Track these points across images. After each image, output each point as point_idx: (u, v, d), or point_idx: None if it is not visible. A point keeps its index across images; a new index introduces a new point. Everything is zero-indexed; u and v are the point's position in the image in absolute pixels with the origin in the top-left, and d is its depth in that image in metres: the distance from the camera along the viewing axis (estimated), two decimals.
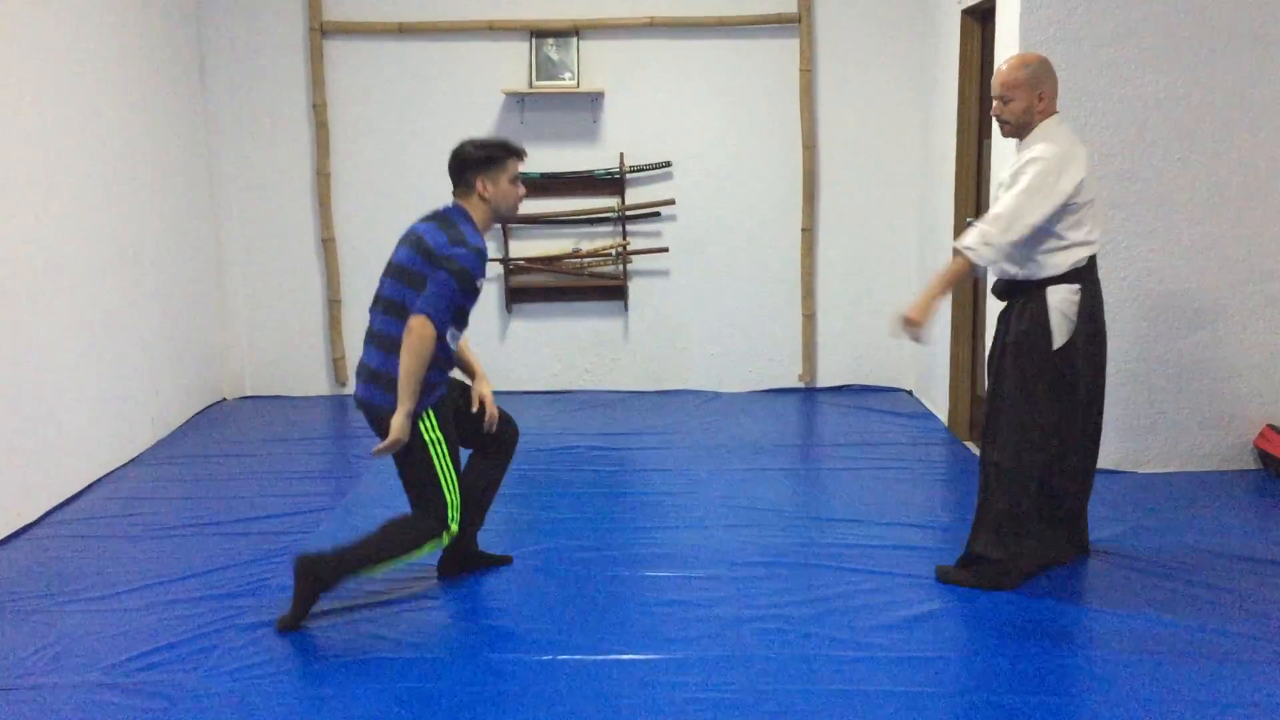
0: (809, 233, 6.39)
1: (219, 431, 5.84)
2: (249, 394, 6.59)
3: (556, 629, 3.42)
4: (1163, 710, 2.89)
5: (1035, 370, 3.53)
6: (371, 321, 3.58)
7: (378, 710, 2.95)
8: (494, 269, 6.41)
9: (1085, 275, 3.52)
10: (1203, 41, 4.58)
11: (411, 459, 3.52)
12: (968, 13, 5.34)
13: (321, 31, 6.20)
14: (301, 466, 5.17)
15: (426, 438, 3.50)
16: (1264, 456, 4.80)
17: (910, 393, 6.50)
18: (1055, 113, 3.54)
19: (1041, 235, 3.47)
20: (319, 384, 6.60)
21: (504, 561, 3.93)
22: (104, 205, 5.08)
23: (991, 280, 3.90)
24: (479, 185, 3.53)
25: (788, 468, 5.14)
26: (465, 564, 3.84)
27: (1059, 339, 3.50)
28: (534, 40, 6.21)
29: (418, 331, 3.38)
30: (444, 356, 3.53)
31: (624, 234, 6.41)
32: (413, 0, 6.21)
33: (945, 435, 5.57)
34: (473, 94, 6.24)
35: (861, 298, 6.51)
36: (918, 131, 6.27)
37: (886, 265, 6.44)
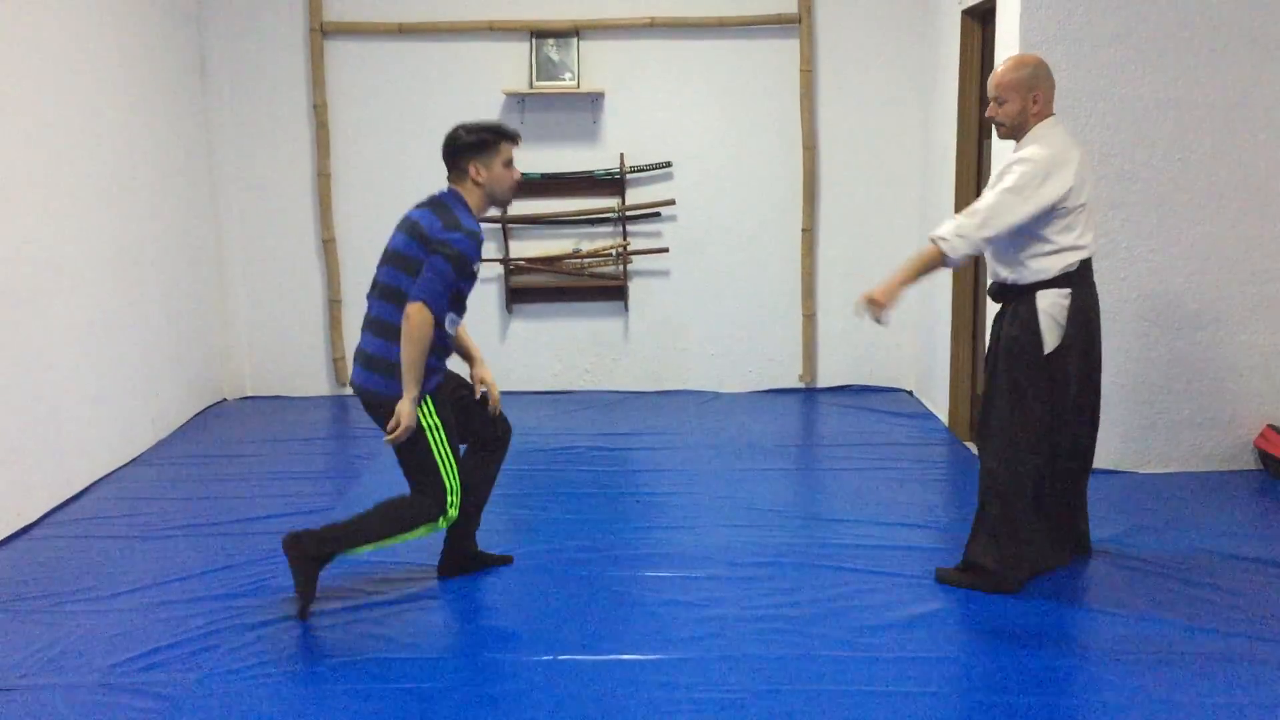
0: (809, 233, 6.39)
1: (219, 432, 5.84)
2: (249, 394, 6.59)
3: (556, 629, 3.42)
4: (1162, 711, 2.88)
5: (1026, 375, 3.52)
6: (369, 308, 3.59)
7: (378, 710, 2.95)
8: (494, 269, 6.43)
9: (1077, 279, 3.50)
10: (1202, 42, 4.58)
11: (409, 445, 3.52)
12: (968, 13, 5.34)
13: (322, 32, 6.21)
14: (302, 467, 5.18)
15: (424, 424, 3.50)
16: (1264, 457, 4.80)
17: (911, 393, 6.50)
18: (1051, 115, 3.53)
19: (1030, 239, 3.47)
20: (319, 384, 6.60)
21: (504, 561, 3.93)
22: (104, 205, 5.08)
23: (989, 282, 3.89)
24: (472, 170, 3.53)
25: (788, 468, 5.14)
26: (465, 564, 3.84)
27: (1049, 344, 3.49)
28: (534, 41, 6.21)
29: (415, 318, 3.39)
30: (442, 343, 3.53)
31: (624, 234, 6.41)
32: (413, 1, 6.21)
33: (946, 435, 5.57)
34: (473, 94, 6.24)
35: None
36: (918, 132, 6.28)
37: (887, 265, 6.37)
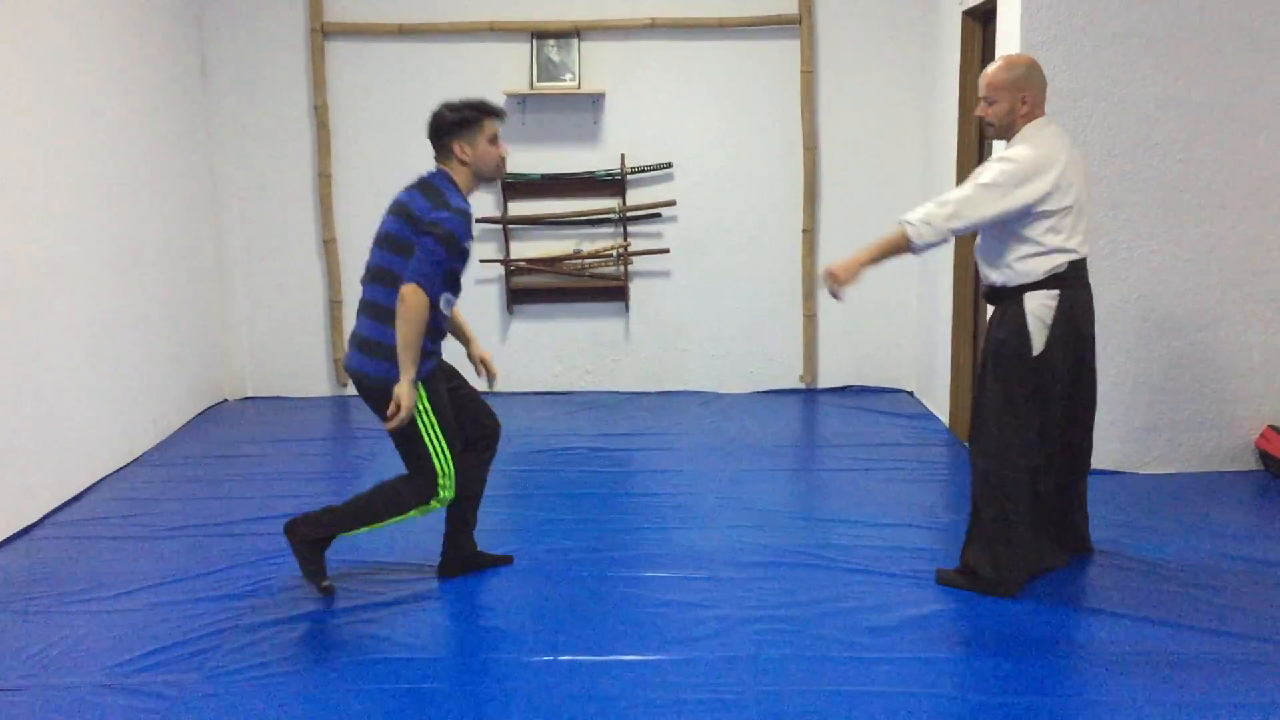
0: (810, 234, 6.39)
1: (220, 432, 5.84)
2: (250, 395, 6.59)
3: (556, 629, 3.42)
4: (1163, 713, 2.89)
5: (1015, 377, 3.50)
6: (363, 292, 3.59)
7: (378, 710, 2.96)
8: (495, 270, 6.43)
9: (1066, 281, 3.47)
10: (1203, 43, 4.58)
11: (401, 429, 3.53)
12: (969, 14, 5.34)
13: (323, 32, 6.21)
14: (303, 467, 5.18)
15: (416, 406, 3.50)
16: (1265, 457, 4.80)
17: (911, 394, 6.50)
18: (1041, 116, 3.51)
19: (1015, 240, 3.46)
20: (320, 385, 6.60)
21: (504, 561, 3.93)
22: (105, 206, 5.09)
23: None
24: (457, 149, 3.53)
25: (788, 468, 5.14)
26: (466, 564, 3.85)
27: (1037, 346, 3.47)
28: (535, 41, 6.22)
29: (410, 299, 3.38)
30: (436, 325, 3.52)
31: (625, 235, 6.41)
32: (414, 1, 6.22)
33: (946, 436, 5.57)
34: (474, 95, 6.21)
35: (863, 299, 6.48)
36: (919, 132, 6.28)
37: (888, 266, 6.37)
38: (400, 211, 3.50)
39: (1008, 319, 3.52)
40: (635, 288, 6.52)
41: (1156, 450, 4.85)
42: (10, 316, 4.29)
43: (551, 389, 6.59)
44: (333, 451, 5.57)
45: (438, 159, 3.59)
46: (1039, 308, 3.47)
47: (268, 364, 6.57)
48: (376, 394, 3.52)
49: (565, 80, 6.24)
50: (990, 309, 3.71)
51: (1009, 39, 4.66)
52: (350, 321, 6.36)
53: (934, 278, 6.03)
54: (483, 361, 3.85)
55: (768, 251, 6.45)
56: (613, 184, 6.37)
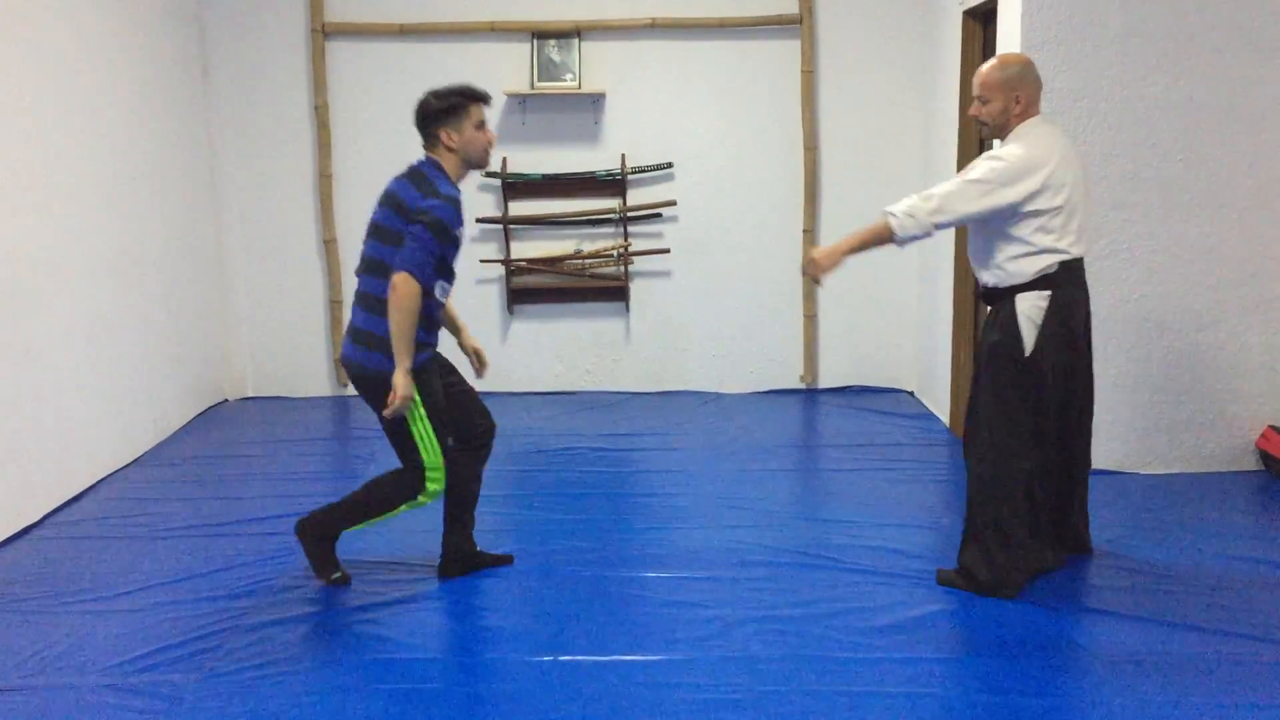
0: (810, 234, 6.39)
1: (220, 433, 5.84)
2: (250, 395, 6.59)
3: (557, 629, 3.42)
4: (1163, 714, 2.88)
5: (1008, 379, 3.49)
6: (357, 284, 3.60)
7: (378, 710, 2.96)
8: (496, 270, 6.43)
9: (1057, 282, 3.45)
10: (1204, 43, 4.58)
11: (389, 422, 3.54)
12: (969, 14, 5.34)
13: (323, 32, 6.21)
14: (303, 467, 5.18)
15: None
16: (1265, 457, 4.80)
17: (912, 394, 6.50)
18: (1035, 115, 3.50)
19: (1004, 240, 3.45)
20: (320, 385, 6.60)
21: (505, 561, 3.93)
22: (106, 206, 5.09)
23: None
24: (444, 136, 3.53)
25: (789, 468, 5.14)
26: (466, 564, 3.85)
27: (1028, 347, 3.45)
28: (535, 41, 6.22)
29: (402, 288, 3.38)
30: (430, 314, 3.52)
31: (625, 235, 6.41)
32: (414, 1, 6.22)
33: (946, 436, 5.57)
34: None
35: (863, 299, 6.51)
36: (919, 132, 6.27)
37: (888, 266, 6.43)
38: (390, 201, 3.50)
39: (1000, 320, 3.51)
40: (636, 288, 6.52)
41: (1157, 450, 4.85)
42: (10, 316, 4.29)
43: (552, 389, 6.59)
44: (333, 451, 5.57)
45: (426, 147, 3.58)
46: (1030, 309, 3.45)
47: (268, 364, 6.57)
48: (369, 384, 3.53)
49: (566, 80, 6.24)
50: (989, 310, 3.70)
51: (1009, 39, 4.66)
52: None
53: (934, 278, 6.03)
54: (475, 352, 3.86)
55: (768, 251, 6.45)
56: (613, 184, 6.37)
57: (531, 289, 6.51)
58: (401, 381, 3.42)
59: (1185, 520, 4.27)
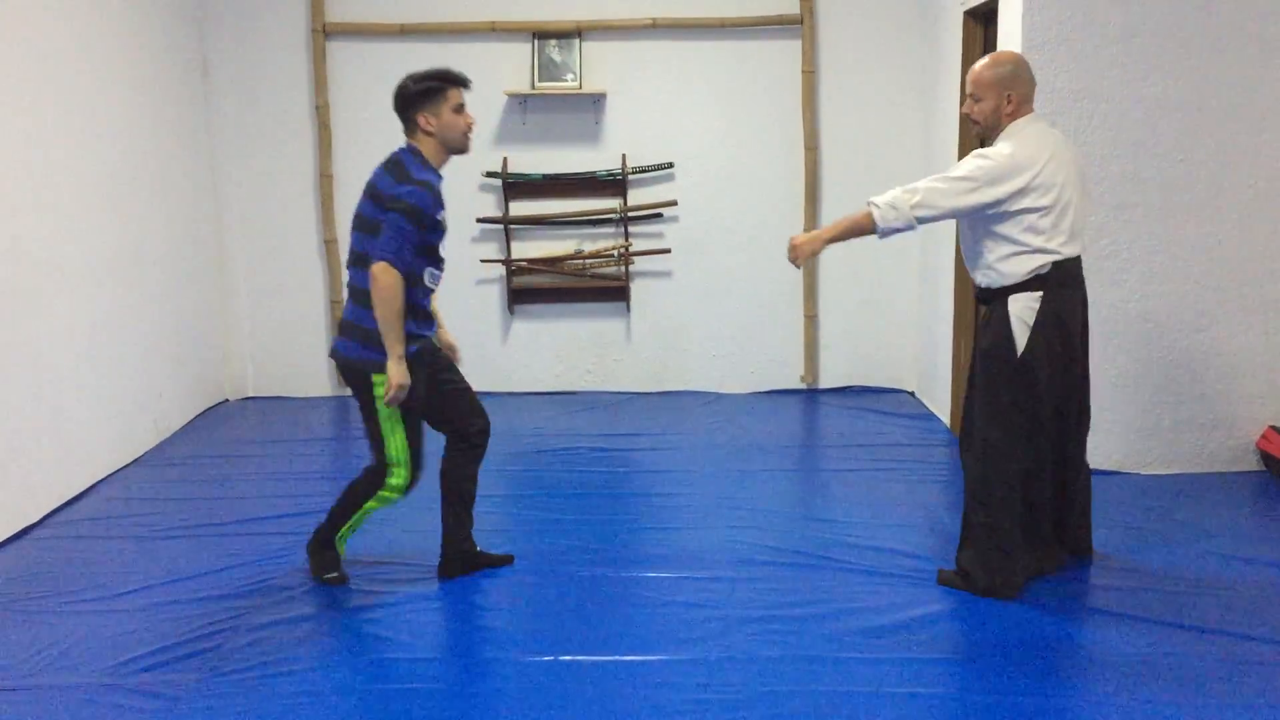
0: None
1: (221, 432, 5.85)
2: (251, 395, 6.59)
3: (557, 629, 3.42)
4: (1164, 714, 2.88)
5: (1001, 381, 3.48)
6: (347, 276, 3.61)
7: (377, 710, 2.96)
8: (496, 270, 6.43)
9: (1050, 283, 3.43)
10: (1205, 43, 4.58)
11: (364, 410, 3.56)
12: (970, 14, 5.34)
13: (324, 33, 6.21)
14: (304, 467, 5.18)
15: (379, 392, 3.51)
16: (1266, 458, 4.80)
17: (912, 394, 6.50)
18: (1027, 114, 3.48)
19: (995, 240, 3.44)
20: (321, 385, 6.60)
21: (505, 561, 3.93)
22: (106, 206, 5.09)
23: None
24: (421, 120, 3.51)
25: (789, 469, 5.14)
26: (466, 564, 3.84)
27: (1021, 348, 3.43)
28: (536, 41, 6.22)
29: (381, 278, 3.38)
30: (416, 303, 3.51)
31: (626, 235, 6.41)
32: (415, 1, 6.22)
33: (947, 437, 5.57)
34: (475, 95, 6.13)
35: (863, 299, 6.51)
36: (919, 132, 6.27)
37: (888, 266, 6.44)
38: (369, 191, 3.52)
39: (993, 322, 3.50)
40: (636, 288, 6.52)
41: (1157, 451, 4.85)
42: (11, 316, 4.30)
43: (552, 389, 6.59)
44: (333, 451, 5.57)
45: (406, 133, 3.57)
46: (1023, 310, 3.44)
47: (268, 364, 6.57)
48: (351, 374, 3.56)
49: (566, 80, 6.24)
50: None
51: (1010, 39, 4.66)
52: None
53: (935, 278, 6.03)
54: (449, 347, 3.86)
55: (768, 252, 6.44)
56: (614, 184, 6.37)
57: (532, 289, 6.51)
58: (394, 370, 3.42)
59: (1185, 521, 4.27)
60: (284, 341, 6.54)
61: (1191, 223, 4.70)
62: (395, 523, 4.34)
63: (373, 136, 6.31)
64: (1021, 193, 3.36)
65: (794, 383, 6.60)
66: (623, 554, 4.02)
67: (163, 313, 5.67)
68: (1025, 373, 3.45)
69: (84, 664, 3.22)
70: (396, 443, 3.57)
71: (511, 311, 6.52)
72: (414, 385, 3.53)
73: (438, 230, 3.51)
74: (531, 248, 6.47)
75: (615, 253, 6.37)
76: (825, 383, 6.60)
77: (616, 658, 3.23)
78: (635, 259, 6.43)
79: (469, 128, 3.59)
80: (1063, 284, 3.45)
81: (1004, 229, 3.41)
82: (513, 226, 6.38)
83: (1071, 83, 4.57)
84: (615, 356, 6.59)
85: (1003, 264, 3.45)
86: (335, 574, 3.73)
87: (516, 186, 6.37)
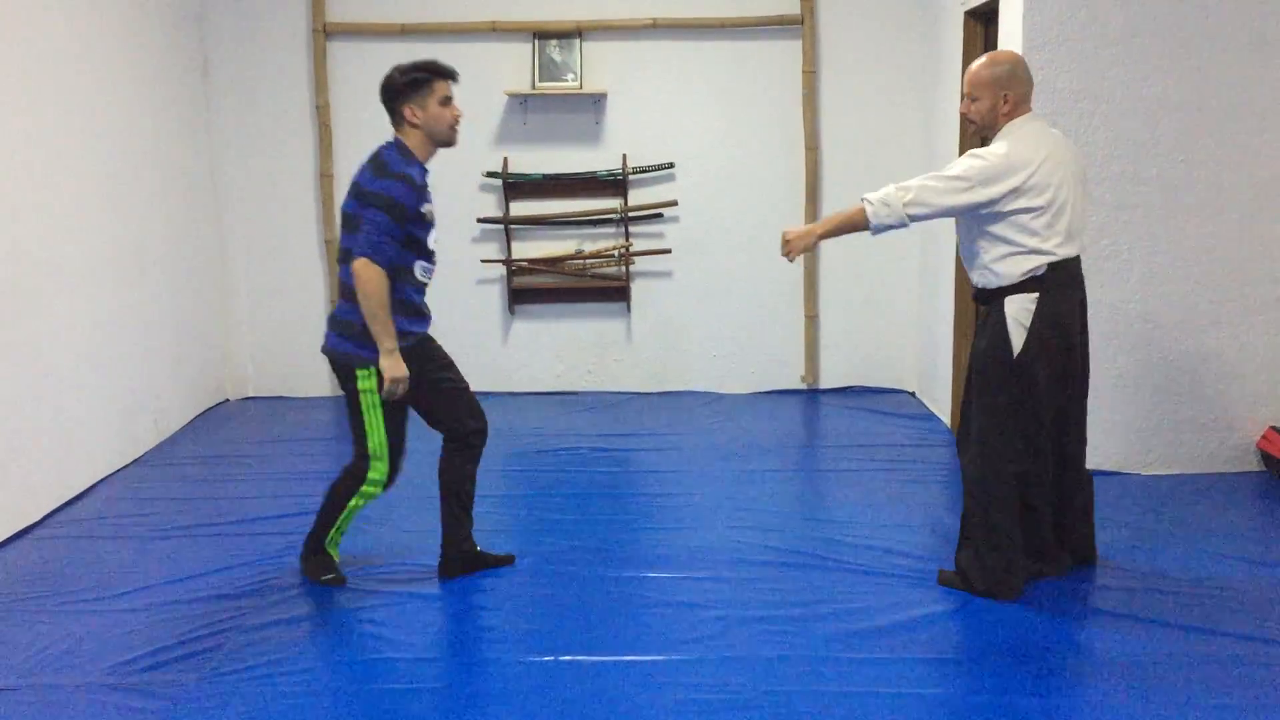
0: None
1: (222, 432, 5.85)
2: (252, 395, 6.59)
3: (557, 629, 3.42)
4: (1163, 714, 2.88)
5: (997, 383, 3.47)
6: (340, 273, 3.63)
7: (377, 710, 2.96)
8: (497, 270, 6.43)
9: (1047, 284, 3.41)
10: (1206, 43, 4.57)
11: (348, 403, 3.57)
12: (970, 14, 5.34)
13: (325, 32, 6.21)
14: (304, 467, 5.18)
15: (361, 386, 3.52)
16: (1267, 459, 4.80)
17: (913, 394, 6.50)
18: (1024, 114, 3.47)
19: (989, 241, 3.43)
20: (321, 385, 6.60)
21: (506, 562, 3.93)
22: (107, 206, 5.09)
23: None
24: (407, 112, 3.50)
25: (790, 469, 5.14)
26: (467, 564, 3.84)
27: (1017, 349, 3.42)
28: (537, 41, 6.22)
29: (362, 274, 3.39)
30: (405, 297, 3.50)
31: (627, 235, 6.41)
32: (416, 1, 6.22)
33: (947, 437, 5.57)
34: (475, 95, 6.21)
35: (864, 299, 6.50)
36: (920, 133, 6.27)
37: (889, 266, 6.44)
38: (351, 188, 3.52)
39: (989, 324, 3.50)
40: (637, 288, 6.52)
41: (1158, 451, 4.85)
42: (11, 316, 4.29)
43: (553, 389, 6.59)
44: (334, 451, 5.56)
45: (393, 125, 3.56)
46: (1019, 312, 3.42)
47: (269, 364, 6.57)
48: (337, 369, 3.58)
49: (567, 80, 6.24)
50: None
51: (1011, 39, 4.66)
52: None
53: (935, 278, 6.03)
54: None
55: (769, 252, 6.40)
56: (614, 184, 6.37)
57: (533, 289, 6.51)
58: (386, 364, 3.42)
59: (1186, 521, 4.27)
60: (284, 341, 6.54)
61: (1192, 223, 4.69)
62: (395, 523, 4.34)
63: (373, 136, 6.24)
64: (1016, 193, 3.35)
65: (794, 383, 6.59)
66: (623, 554, 4.02)
67: (163, 312, 5.67)
68: (1021, 374, 3.44)
69: (84, 664, 3.22)
70: (377, 436, 3.58)
71: (512, 311, 6.52)
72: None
73: (423, 224, 3.50)
74: (532, 248, 6.47)
75: (616, 253, 6.37)
76: (826, 383, 6.60)
77: (616, 658, 3.22)
78: (636, 259, 6.43)
79: (456, 120, 3.57)
80: (1060, 285, 3.43)
81: (999, 229, 3.41)
82: (513, 226, 6.38)
83: (1072, 83, 4.57)
84: (616, 356, 6.59)
85: (998, 264, 3.44)
86: (332, 575, 3.73)
87: (517, 186, 6.37)
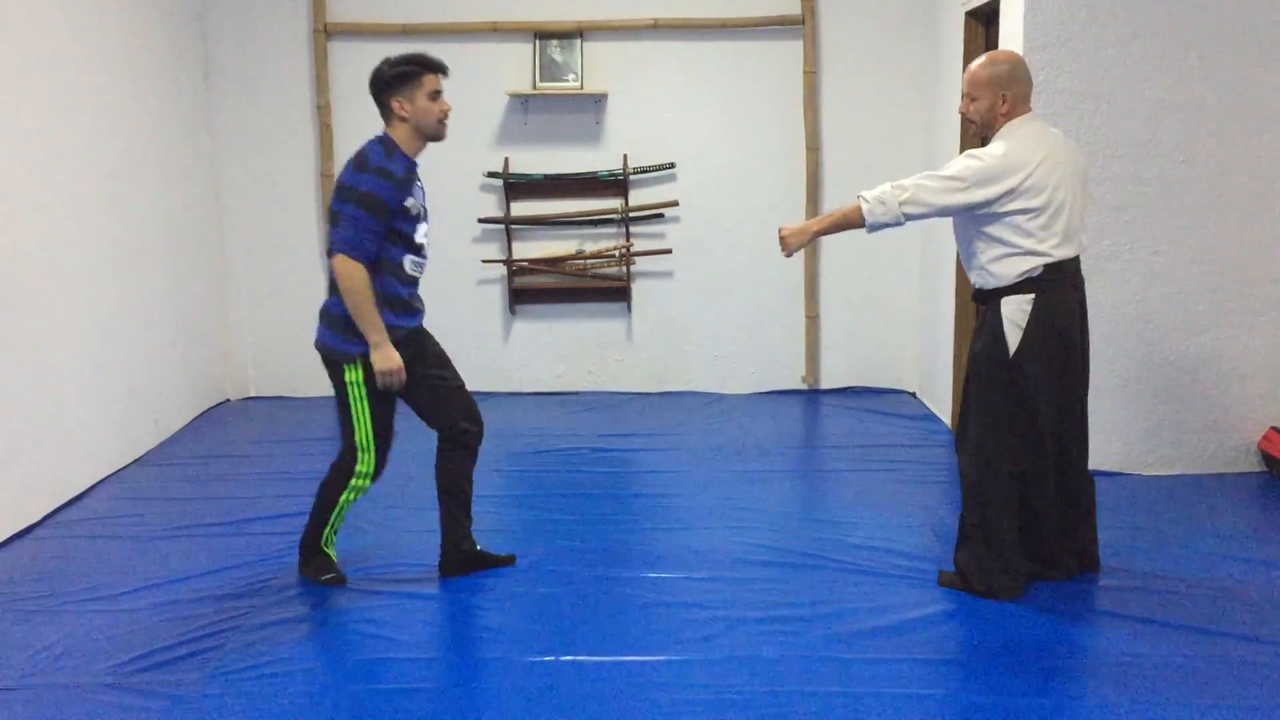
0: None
1: (222, 432, 5.85)
2: (253, 395, 6.59)
3: (557, 629, 3.42)
4: (1164, 715, 2.88)
5: (993, 383, 3.47)
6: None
7: (378, 710, 2.95)
8: (498, 270, 6.43)
9: (1043, 285, 3.40)
10: (1207, 45, 4.57)
11: (336, 396, 3.58)
12: (971, 14, 5.34)
13: (325, 33, 6.21)
14: (305, 467, 5.16)
15: (348, 379, 3.53)
16: (1268, 459, 4.79)
17: (914, 395, 6.49)
18: (1023, 114, 3.45)
19: (985, 241, 3.42)
20: (322, 385, 6.42)
21: (507, 562, 3.92)
22: (108, 206, 5.09)
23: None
24: (396, 105, 3.49)
25: (790, 469, 5.14)
26: (467, 563, 3.84)
27: (1012, 350, 3.41)
28: (538, 42, 6.22)
29: (340, 269, 3.40)
30: (392, 293, 3.50)
31: (627, 235, 6.41)
32: (417, 1, 6.22)
33: (948, 437, 5.56)
34: (476, 95, 6.24)
35: (865, 299, 6.50)
36: (921, 133, 6.27)
37: (890, 266, 6.44)
38: (335, 183, 3.53)
39: (986, 324, 3.49)
40: (638, 288, 6.52)
41: (1159, 452, 4.85)
42: (11, 316, 4.30)
43: (554, 389, 6.59)
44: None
45: (383, 118, 3.55)
46: (1014, 313, 3.42)
47: (270, 364, 6.57)
48: (325, 361, 3.59)
49: (568, 81, 6.24)
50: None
51: (1011, 39, 4.65)
52: None
53: (936, 278, 6.03)
54: None
55: (770, 252, 6.39)
56: (615, 184, 6.37)
57: (533, 289, 6.51)
58: (376, 357, 3.43)
59: (1186, 521, 4.26)
60: (285, 341, 6.54)
61: (1193, 224, 4.69)
62: (395, 523, 4.34)
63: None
64: (1011, 194, 3.34)
65: (795, 383, 6.59)
66: (623, 554, 4.02)
67: (164, 312, 5.67)
68: (1017, 374, 3.43)
69: (83, 664, 3.22)
70: (364, 429, 3.58)
71: (513, 312, 6.52)
72: (374, 384, 3.54)
73: (409, 218, 3.49)
74: (533, 248, 6.47)
75: (616, 253, 6.37)
76: (826, 383, 6.60)
77: (616, 658, 3.22)
78: (636, 259, 6.43)
79: (445, 114, 3.56)
80: (1057, 286, 3.42)
81: (994, 230, 3.40)
82: (514, 227, 6.38)
83: (1073, 84, 4.57)
84: (616, 357, 6.59)
85: (995, 265, 3.44)
86: (332, 574, 3.73)
87: (518, 187, 6.37)
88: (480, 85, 6.26)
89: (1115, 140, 4.62)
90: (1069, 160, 3.45)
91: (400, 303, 3.54)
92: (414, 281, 3.60)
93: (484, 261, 6.39)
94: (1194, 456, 4.85)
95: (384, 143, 3.51)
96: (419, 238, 3.56)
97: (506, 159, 6.30)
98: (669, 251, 6.43)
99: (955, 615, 3.47)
